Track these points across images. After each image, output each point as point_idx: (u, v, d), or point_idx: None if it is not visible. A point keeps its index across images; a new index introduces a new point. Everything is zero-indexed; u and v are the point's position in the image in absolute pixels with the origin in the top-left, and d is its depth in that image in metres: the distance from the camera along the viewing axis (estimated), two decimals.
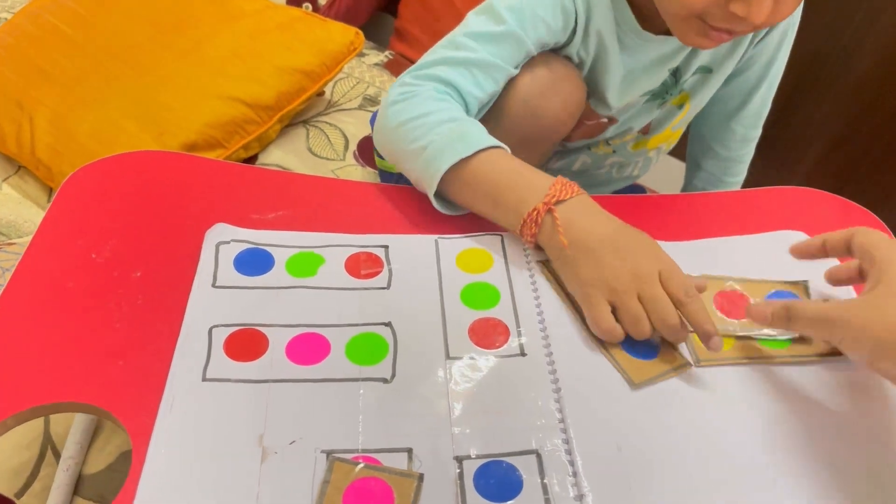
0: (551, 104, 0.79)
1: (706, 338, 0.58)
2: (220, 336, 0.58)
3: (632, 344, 0.61)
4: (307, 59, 1.27)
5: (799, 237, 0.73)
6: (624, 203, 0.78)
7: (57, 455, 0.84)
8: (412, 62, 1.56)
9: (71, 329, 0.58)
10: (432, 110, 0.71)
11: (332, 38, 1.30)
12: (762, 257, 0.71)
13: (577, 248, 0.62)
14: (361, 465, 0.50)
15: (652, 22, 0.78)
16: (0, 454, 0.82)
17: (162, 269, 0.64)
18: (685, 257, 0.70)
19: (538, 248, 0.66)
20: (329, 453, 0.51)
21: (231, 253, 0.64)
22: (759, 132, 1.00)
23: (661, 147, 1.00)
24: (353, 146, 1.32)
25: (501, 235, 0.70)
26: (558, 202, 0.63)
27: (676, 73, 0.86)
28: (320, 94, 1.39)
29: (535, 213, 0.63)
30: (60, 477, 0.81)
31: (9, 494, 0.81)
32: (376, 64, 1.54)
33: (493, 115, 0.80)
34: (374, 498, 0.49)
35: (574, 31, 0.77)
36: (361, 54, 1.48)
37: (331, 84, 1.41)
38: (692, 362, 0.60)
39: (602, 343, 0.61)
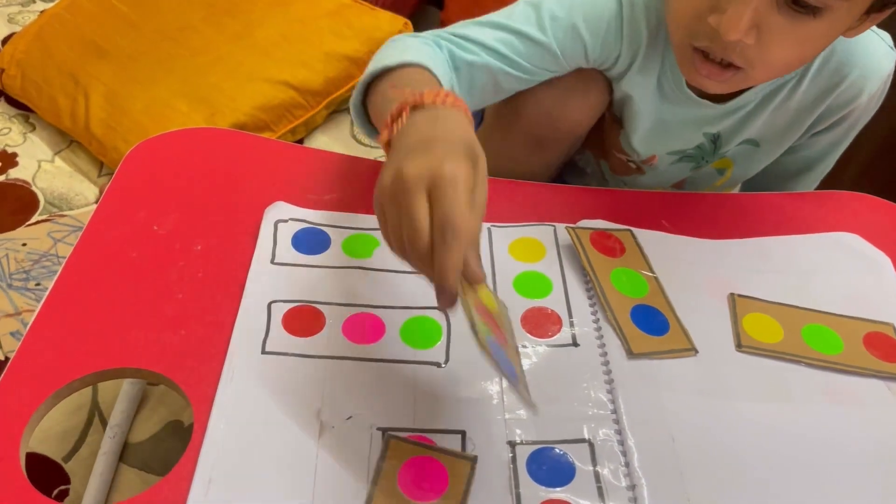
0: (570, 109, 0.75)
1: (439, 292, 0.44)
2: (279, 311, 0.59)
3: (642, 317, 0.61)
4: (355, 47, 1.28)
5: (853, 240, 0.73)
6: (673, 200, 0.78)
7: (104, 422, 0.86)
8: None
9: (134, 297, 0.60)
10: (401, 40, 0.66)
11: (380, 27, 1.31)
12: (819, 258, 0.71)
13: (391, 152, 0.50)
14: (417, 445, 0.51)
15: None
16: (49, 419, 0.84)
17: (222, 243, 0.65)
18: (741, 255, 0.71)
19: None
20: (385, 431, 0.52)
21: (289, 231, 0.65)
22: (818, 184, 0.90)
23: None
24: None
25: (554, 226, 0.70)
26: (416, 107, 0.51)
27: (717, 141, 0.79)
28: None
29: (395, 109, 0.52)
30: (107, 444, 0.83)
31: (56, 458, 0.83)
32: None
33: (508, 115, 0.77)
34: (429, 477, 0.50)
35: (614, 65, 0.72)
36: None
37: None
38: (736, 345, 0.62)
39: (609, 308, 0.61)
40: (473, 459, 0.51)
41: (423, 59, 0.62)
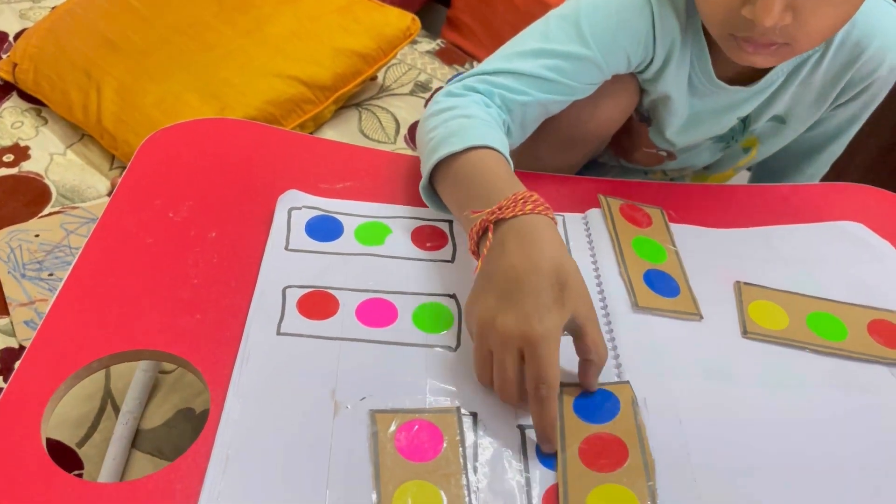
0: (599, 112, 0.77)
1: (542, 441, 0.52)
2: (294, 296, 0.60)
3: (654, 279, 0.64)
4: (364, 43, 1.29)
5: (857, 229, 0.74)
6: (681, 191, 0.79)
7: (116, 409, 0.87)
8: (463, 51, 1.59)
9: (150, 281, 0.61)
10: (456, 105, 0.68)
11: (388, 23, 1.32)
12: (823, 247, 0.72)
13: (483, 276, 0.56)
14: (398, 412, 0.53)
15: (726, 70, 0.74)
16: (63, 405, 0.85)
17: (236, 230, 0.66)
18: (746, 244, 0.72)
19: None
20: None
21: (302, 218, 0.67)
22: (826, 170, 0.93)
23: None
24: (403, 130, 1.34)
25: (563, 216, 0.71)
26: (499, 220, 0.56)
27: (746, 120, 0.81)
28: (373, 78, 1.42)
29: (478, 226, 0.58)
30: (119, 430, 0.84)
31: (70, 444, 0.84)
32: (428, 51, 1.56)
33: None
34: (423, 437, 0.51)
35: (648, 67, 0.73)
36: (414, 41, 1.49)
37: (383, 69, 1.43)
38: (742, 331, 0.63)
39: (624, 265, 0.63)
40: (457, 410, 0.53)
41: (488, 139, 0.63)
